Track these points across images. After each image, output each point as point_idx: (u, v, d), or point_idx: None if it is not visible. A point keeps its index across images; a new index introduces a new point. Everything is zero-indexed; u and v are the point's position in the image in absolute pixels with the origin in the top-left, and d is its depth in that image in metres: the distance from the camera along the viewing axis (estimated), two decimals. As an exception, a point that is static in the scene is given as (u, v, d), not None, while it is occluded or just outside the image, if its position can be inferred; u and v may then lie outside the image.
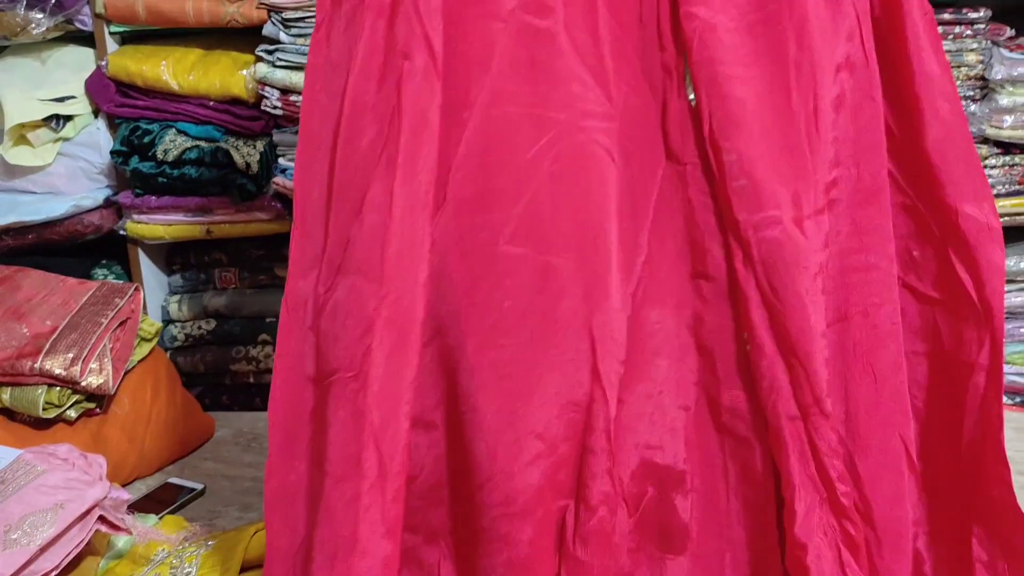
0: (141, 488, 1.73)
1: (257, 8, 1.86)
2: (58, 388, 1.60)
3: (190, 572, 1.06)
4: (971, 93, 1.79)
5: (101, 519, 1.25)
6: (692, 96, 0.93)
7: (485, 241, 0.91)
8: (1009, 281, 1.86)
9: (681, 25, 0.90)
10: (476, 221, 0.91)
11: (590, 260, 0.90)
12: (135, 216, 1.98)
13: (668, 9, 0.92)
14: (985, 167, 1.82)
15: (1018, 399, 1.87)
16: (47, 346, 1.61)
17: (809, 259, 0.90)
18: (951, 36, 1.76)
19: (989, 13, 1.76)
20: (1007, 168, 1.82)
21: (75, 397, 1.63)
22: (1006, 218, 1.83)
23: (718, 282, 0.94)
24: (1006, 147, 1.82)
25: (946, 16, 1.76)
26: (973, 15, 1.76)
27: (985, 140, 1.80)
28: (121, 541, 1.30)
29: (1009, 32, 1.81)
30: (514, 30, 0.90)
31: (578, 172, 0.90)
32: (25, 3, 1.84)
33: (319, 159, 0.93)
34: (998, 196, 1.83)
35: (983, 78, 1.78)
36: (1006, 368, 1.88)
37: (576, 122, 0.90)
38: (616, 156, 0.91)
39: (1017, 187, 1.83)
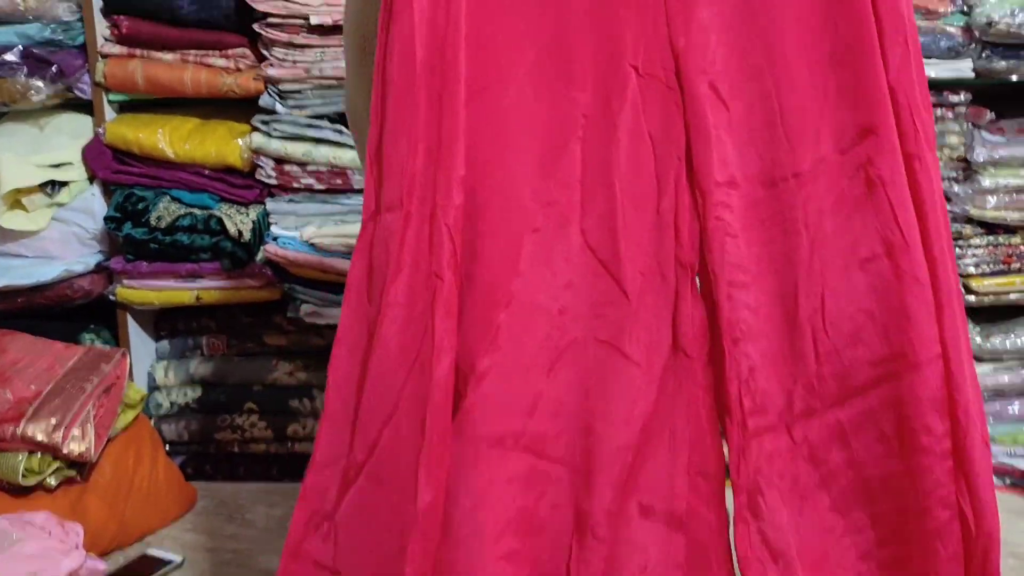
0: (119, 559, 1.69)
1: (254, 80, 1.89)
2: (39, 454, 1.58)
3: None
4: (954, 174, 1.82)
5: (75, 590, 1.23)
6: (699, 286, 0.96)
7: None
8: (995, 360, 1.87)
9: (707, 230, 0.93)
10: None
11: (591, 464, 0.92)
12: (125, 281, 1.98)
13: (688, 206, 0.93)
14: (969, 247, 1.85)
15: (1008, 480, 1.86)
16: (30, 411, 1.60)
17: (797, 468, 0.93)
18: (933, 118, 1.80)
19: (969, 97, 1.81)
20: (991, 248, 1.85)
21: (56, 464, 1.61)
22: (991, 296, 1.85)
23: (714, 480, 0.94)
24: (990, 227, 1.85)
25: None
26: (954, 98, 1.80)
27: (969, 220, 1.84)
28: (95, 614, 1.27)
29: (989, 115, 1.85)
30: (535, 237, 0.93)
31: (597, 386, 0.93)
32: (26, 71, 1.87)
33: (355, 358, 0.93)
34: (983, 275, 1.85)
35: (965, 160, 1.82)
36: (994, 448, 1.88)
37: (595, 329, 0.93)
38: (629, 351, 0.93)
39: (1002, 266, 1.85)
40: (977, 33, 1.77)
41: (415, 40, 0.89)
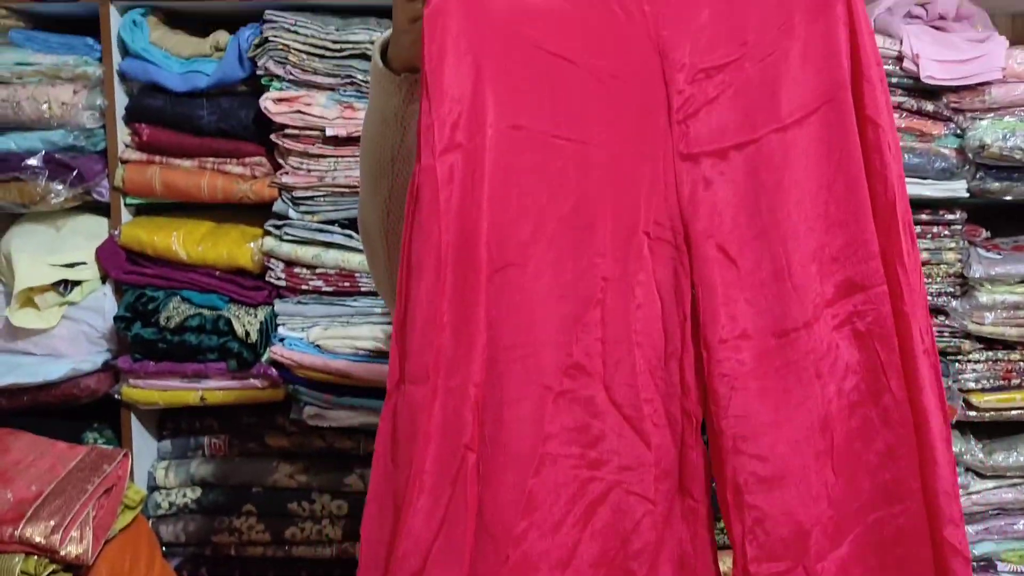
0: (109, 666, 1.66)
1: (269, 186, 1.95)
2: (36, 557, 1.57)
3: None
4: (951, 290, 1.85)
5: None
6: (705, 438, 1.02)
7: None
8: (998, 476, 1.87)
9: (713, 383, 0.99)
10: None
11: None
12: (131, 381, 1.99)
13: (692, 362, 1.00)
14: (969, 362, 1.87)
15: (1015, 598, 1.84)
16: (30, 512, 1.59)
17: None
18: (929, 235, 1.85)
19: (964, 215, 1.85)
20: (990, 363, 1.87)
21: (52, 567, 1.59)
22: (991, 413, 1.86)
23: None
24: (989, 343, 1.87)
25: (924, 217, 1.85)
26: (949, 216, 1.85)
27: (968, 335, 1.85)
28: None
29: (985, 233, 1.89)
30: (560, 401, 0.99)
31: (617, 532, 0.99)
32: (48, 175, 1.92)
33: (384, 522, 0.98)
34: (983, 391, 1.86)
35: (962, 276, 1.85)
36: (1000, 566, 1.86)
37: (615, 478, 0.99)
38: (652, 497, 1.00)
39: (1001, 382, 1.87)
40: (970, 155, 1.82)
41: (440, 224, 0.94)
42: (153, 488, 2.06)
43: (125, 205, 2.02)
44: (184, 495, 2.04)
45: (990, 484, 1.86)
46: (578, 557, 0.97)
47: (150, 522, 1.99)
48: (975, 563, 1.87)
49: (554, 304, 0.99)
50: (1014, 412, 1.86)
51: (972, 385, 1.86)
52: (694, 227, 1.00)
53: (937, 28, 1.86)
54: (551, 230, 1.00)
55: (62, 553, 1.58)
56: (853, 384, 1.01)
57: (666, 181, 1.01)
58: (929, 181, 1.83)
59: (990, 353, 1.86)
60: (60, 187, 1.92)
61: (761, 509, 0.97)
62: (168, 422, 2.11)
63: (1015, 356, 1.86)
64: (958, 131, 1.84)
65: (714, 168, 1.01)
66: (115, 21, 1.96)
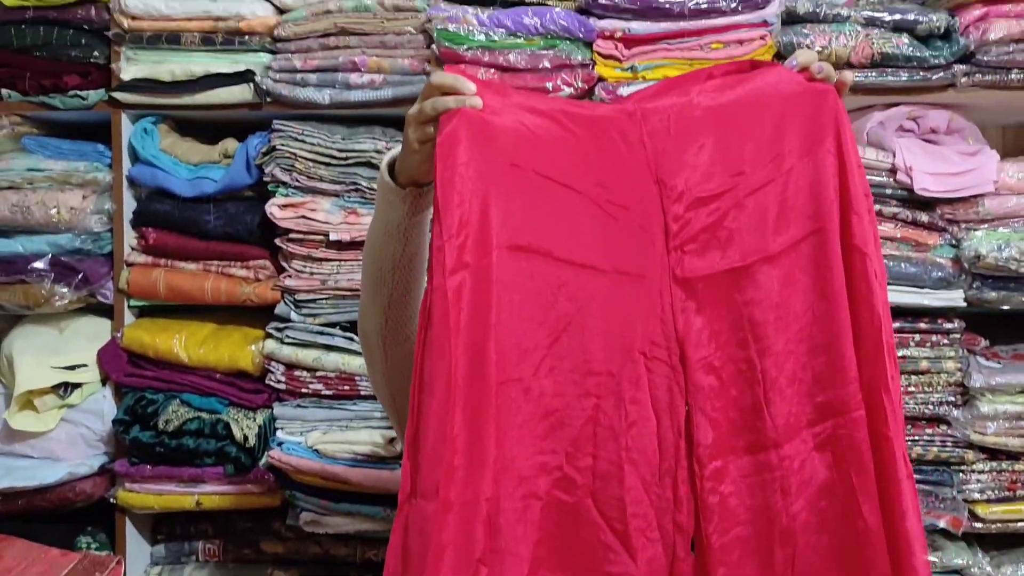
0: None
1: (272, 289, 1.97)
2: (22, 672, 1.53)
3: None
4: (952, 399, 1.85)
5: None
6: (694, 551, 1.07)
7: None
8: (1008, 590, 1.83)
9: (703, 496, 1.05)
10: None
11: None
12: (127, 484, 1.97)
13: (685, 476, 1.05)
14: (973, 472, 1.85)
15: None
16: (18, 624, 1.56)
17: None
18: (929, 344, 1.85)
19: (963, 324, 1.86)
20: (995, 474, 1.85)
21: None
22: (998, 524, 1.83)
23: None
24: (992, 453, 1.85)
25: (922, 325, 1.86)
26: (948, 325, 1.86)
27: (971, 445, 1.84)
28: None
29: (984, 342, 1.90)
30: (548, 511, 1.04)
31: None
32: (53, 277, 1.94)
33: None
34: (988, 502, 1.84)
35: (963, 385, 1.84)
36: None
37: None
38: None
39: (1007, 493, 1.84)
40: (967, 265, 1.84)
41: (450, 341, 0.97)
42: (145, 595, 2.02)
43: (128, 307, 2.04)
44: (176, 603, 2.00)
45: (1000, 597, 1.82)
46: None
47: (140, 631, 1.95)
48: None
49: (547, 418, 1.04)
50: (1021, 524, 1.84)
51: (977, 496, 1.84)
52: (688, 347, 1.06)
53: (929, 141, 1.90)
54: (549, 348, 1.04)
55: (49, 668, 1.54)
56: (827, 504, 1.05)
57: (662, 304, 1.07)
58: (927, 290, 1.85)
59: (994, 463, 1.85)
60: (65, 290, 1.94)
61: None
62: (162, 526, 2.08)
63: (1019, 467, 1.84)
64: (953, 241, 1.87)
65: (706, 292, 1.07)
66: (126, 128, 2.01)
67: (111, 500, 1.98)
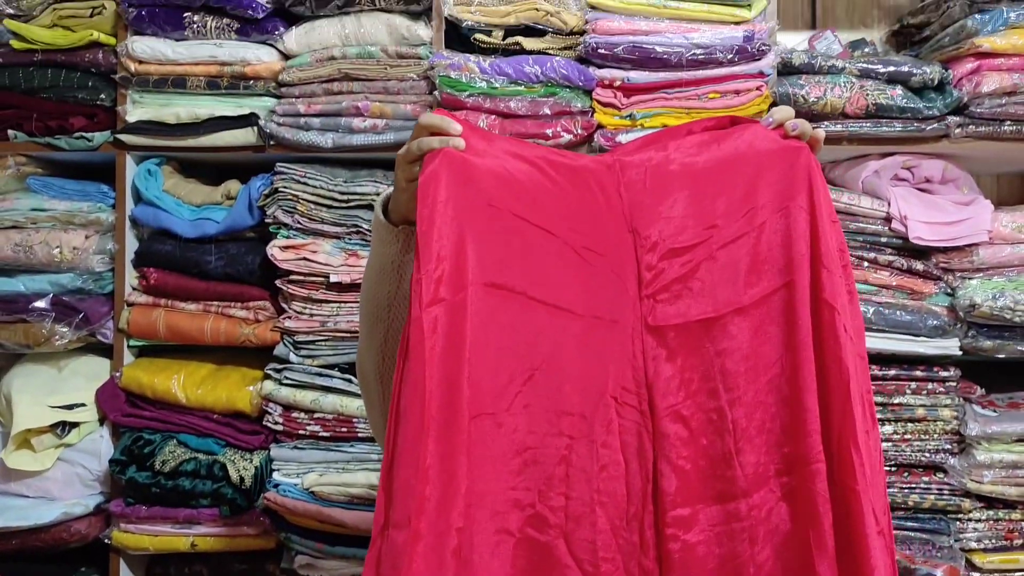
0: None
1: (271, 331, 1.97)
2: None
3: None
4: (948, 447, 1.85)
5: None
6: None
7: None
8: (1006, 642, 1.82)
9: (665, 543, 1.07)
10: None
11: None
12: (122, 525, 1.96)
13: (651, 522, 1.08)
14: (970, 521, 1.84)
15: None
16: (9, 668, 1.54)
17: None
18: (925, 392, 1.86)
19: (959, 372, 1.87)
20: (992, 523, 1.84)
21: None
22: (995, 574, 1.82)
23: None
24: (989, 501, 1.85)
25: (918, 373, 1.86)
26: (944, 373, 1.86)
27: (967, 494, 1.84)
28: None
29: (980, 391, 1.90)
30: (520, 548, 1.05)
31: None
32: (54, 317, 1.95)
33: None
34: (986, 551, 1.84)
35: (959, 433, 1.85)
36: None
37: None
38: None
39: (1004, 542, 1.84)
40: (962, 313, 1.85)
41: (425, 371, 1.00)
42: (137, 638, 2.00)
43: (128, 347, 2.04)
44: (168, 646, 1.98)
45: (999, 649, 1.81)
46: None
47: (131, 675, 1.93)
48: None
49: (521, 455, 1.05)
50: (1018, 574, 1.83)
51: (974, 545, 1.83)
52: (656, 394, 1.08)
53: (924, 190, 1.92)
54: (523, 386, 1.06)
55: None
56: (792, 554, 1.06)
57: (634, 350, 1.09)
58: (922, 338, 1.86)
59: (991, 512, 1.85)
60: (66, 329, 1.95)
61: None
62: (157, 567, 2.06)
63: (1016, 516, 1.84)
64: (948, 290, 1.88)
65: (677, 341, 1.09)
66: (130, 169, 2.03)
67: (106, 540, 1.97)
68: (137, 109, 1.99)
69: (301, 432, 1.95)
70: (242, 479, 1.91)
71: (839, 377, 1.05)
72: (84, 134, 1.98)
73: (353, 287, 1.93)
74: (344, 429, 1.95)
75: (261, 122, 1.96)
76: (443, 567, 0.98)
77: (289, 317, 1.95)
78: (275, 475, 1.95)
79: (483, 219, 1.07)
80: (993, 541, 1.84)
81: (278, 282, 1.96)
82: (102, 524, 1.98)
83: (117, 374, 1.99)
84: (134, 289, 2.03)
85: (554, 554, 1.05)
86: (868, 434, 1.06)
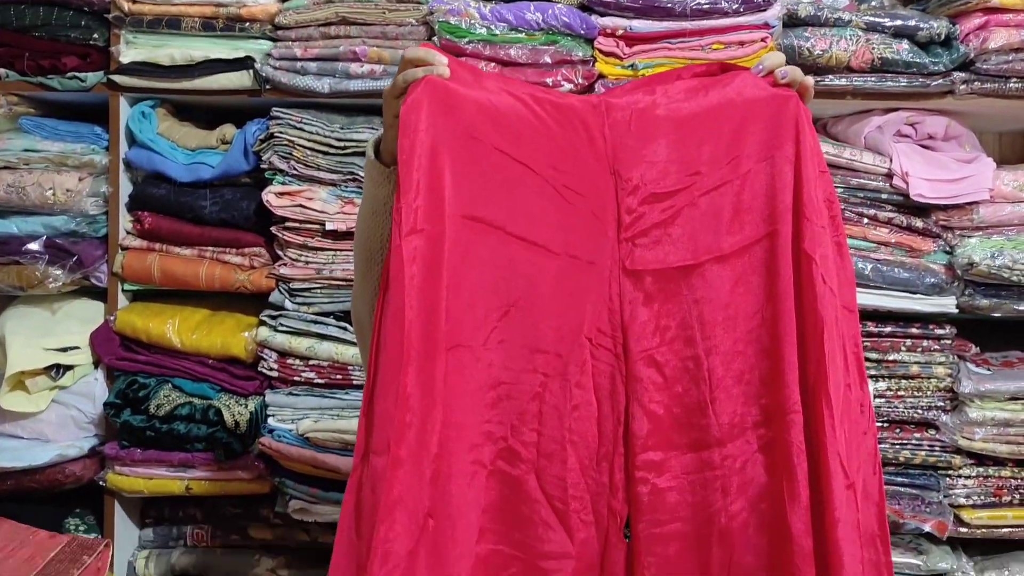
0: None
1: (267, 277, 1.96)
2: (8, 653, 1.53)
3: None
4: (941, 404, 1.86)
5: None
6: (628, 535, 1.09)
7: None
8: (991, 595, 1.85)
9: (634, 486, 1.07)
10: None
11: None
12: (117, 468, 1.97)
13: (621, 464, 1.08)
14: (960, 477, 1.86)
15: None
16: (5, 605, 1.56)
17: None
18: (920, 349, 1.86)
19: (954, 330, 1.87)
20: (981, 479, 1.86)
21: (23, 663, 1.56)
22: (982, 530, 1.85)
23: None
24: (979, 459, 1.86)
25: (914, 331, 1.86)
26: (939, 331, 1.86)
27: (958, 451, 1.85)
28: None
29: (974, 349, 1.91)
30: (492, 480, 1.06)
31: None
32: (48, 259, 1.94)
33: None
34: (974, 507, 1.85)
35: (952, 390, 1.85)
36: None
37: (536, 563, 1.06)
38: None
39: (992, 499, 1.85)
40: (959, 272, 1.85)
41: (405, 299, 1.00)
42: (132, 579, 2.02)
43: (122, 291, 2.03)
44: (163, 587, 2.00)
45: (984, 603, 1.83)
46: None
47: (125, 617, 1.95)
48: None
49: (495, 389, 1.06)
50: (1005, 530, 1.85)
51: (963, 501, 1.85)
52: (631, 338, 1.08)
53: (926, 147, 1.91)
54: (499, 321, 1.07)
55: (35, 649, 1.55)
56: (767, 506, 1.07)
57: (611, 293, 1.09)
58: (919, 296, 1.85)
59: (981, 469, 1.86)
60: (59, 272, 1.93)
61: None
62: (151, 510, 2.08)
63: (1006, 473, 1.85)
64: (947, 248, 1.87)
65: (655, 286, 1.09)
66: (124, 111, 2.00)
67: (100, 483, 1.98)
68: (131, 50, 1.95)
69: (296, 379, 1.95)
70: (237, 424, 1.92)
71: (814, 328, 1.05)
72: (77, 74, 1.94)
73: (349, 235, 1.92)
74: (339, 376, 1.95)
75: (257, 65, 1.93)
76: (421, 492, 0.99)
77: (284, 264, 1.94)
78: (270, 421, 1.96)
79: (464, 151, 1.06)
80: (982, 497, 1.85)
81: (273, 229, 1.94)
82: (97, 467, 1.99)
83: (111, 318, 1.99)
84: (128, 233, 2.01)
85: (524, 488, 1.06)
86: (850, 388, 1.06)
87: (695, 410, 1.08)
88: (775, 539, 1.05)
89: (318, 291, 1.95)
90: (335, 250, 1.94)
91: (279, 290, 1.96)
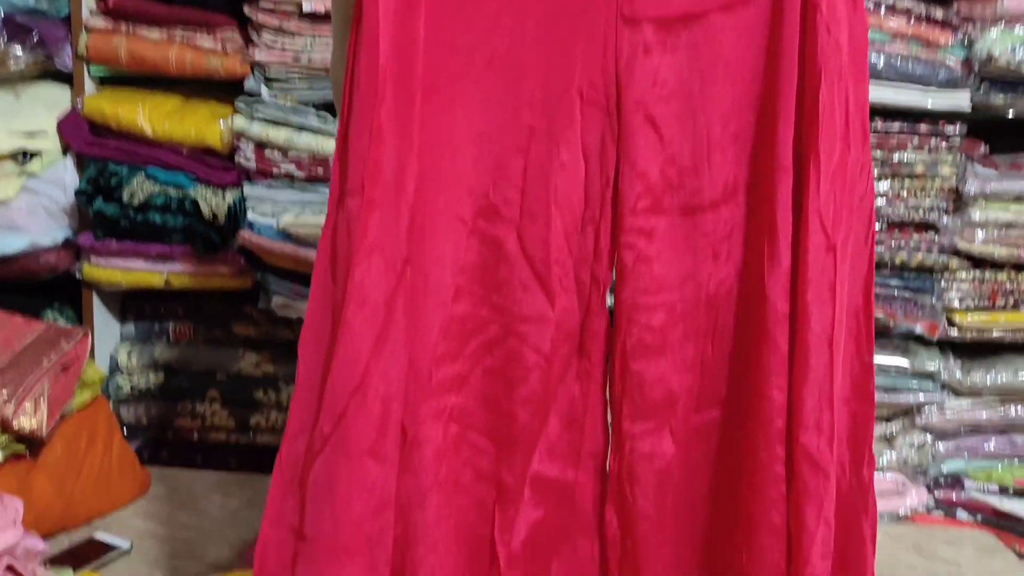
0: (64, 541, 1.64)
1: (241, 63, 1.85)
2: (-13, 427, 1.53)
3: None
4: (944, 205, 1.80)
5: (9, 569, 1.17)
6: (611, 303, 1.04)
7: None
8: (974, 395, 1.85)
9: (620, 252, 1.02)
10: None
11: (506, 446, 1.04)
12: (93, 259, 1.93)
13: (608, 227, 1.02)
14: (955, 280, 1.82)
15: (979, 517, 1.83)
16: (-19, 383, 1.54)
17: (667, 466, 1.05)
18: (927, 148, 1.78)
19: (964, 128, 1.79)
20: (977, 283, 1.82)
21: (4, 438, 1.55)
22: (973, 332, 1.83)
23: (599, 458, 1.07)
24: (976, 261, 1.82)
25: (922, 128, 1.78)
26: (948, 128, 1.78)
27: (956, 253, 1.81)
28: (29, 596, 1.22)
29: (983, 149, 1.83)
30: (472, 240, 1.01)
31: (507, 376, 1.03)
32: (6, 37, 1.82)
33: (322, 337, 0.99)
34: (967, 310, 1.83)
35: (956, 191, 1.79)
36: (968, 483, 1.85)
37: (513, 326, 1.01)
38: (543, 349, 1.02)
39: (986, 302, 1.83)
40: (976, 67, 1.75)
41: (379, 43, 0.94)
42: (115, 370, 2.01)
43: (90, 76, 1.92)
44: (147, 379, 2.00)
45: (965, 403, 1.83)
46: (468, 388, 1.02)
47: (111, 404, 1.95)
48: (943, 479, 1.86)
49: (477, 143, 1.00)
50: (996, 333, 1.83)
51: (956, 304, 1.82)
52: (627, 93, 1.00)
53: (952, -73, 1.76)
54: (481, 71, 0.99)
55: (15, 425, 1.54)
56: (751, 270, 1.02)
57: (605, 43, 1.00)
58: (932, 90, 1.76)
59: (977, 272, 1.82)
60: (20, 51, 1.83)
61: (641, 375, 1.03)
62: (131, 305, 2.05)
63: (1002, 276, 1.82)
64: (966, 42, 1.76)
65: (655, 36, 1.00)
66: None
67: (77, 275, 1.94)
68: None
69: (275, 171, 1.87)
70: (215, 216, 1.86)
71: (812, 80, 0.97)
72: None
73: (328, 18, 1.79)
74: (320, 170, 1.87)
75: None
76: (398, 239, 0.96)
77: (259, 48, 1.83)
78: (250, 214, 1.89)
79: None
80: (976, 301, 1.82)
81: (247, 9, 1.82)
82: (72, 258, 1.95)
83: (79, 103, 1.89)
84: (92, 13, 1.88)
85: (504, 248, 1.01)
86: (848, 148, 0.99)
87: (689, 171, 1.01)
88: (754, 304, 1.01)
89: (296, 79, 1.85)
90: (314, 35, 1.82)
91: (254, 77, 1.86)
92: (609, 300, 1.05)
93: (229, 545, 1.65)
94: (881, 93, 1.74)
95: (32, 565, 1.18)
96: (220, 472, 1.96)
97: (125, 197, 1.85)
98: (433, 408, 0.99)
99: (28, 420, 1.55)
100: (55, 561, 1.52)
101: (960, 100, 1.77)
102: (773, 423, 1.00)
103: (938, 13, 1.75)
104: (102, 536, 1.65)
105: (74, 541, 1.64)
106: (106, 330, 2.02)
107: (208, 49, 1.86)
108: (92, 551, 1.60)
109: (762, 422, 1.00)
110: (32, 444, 1.61)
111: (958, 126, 1.78)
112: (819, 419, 0.99)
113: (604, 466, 1.09)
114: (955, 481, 1.86)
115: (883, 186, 1.79)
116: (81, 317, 1.99)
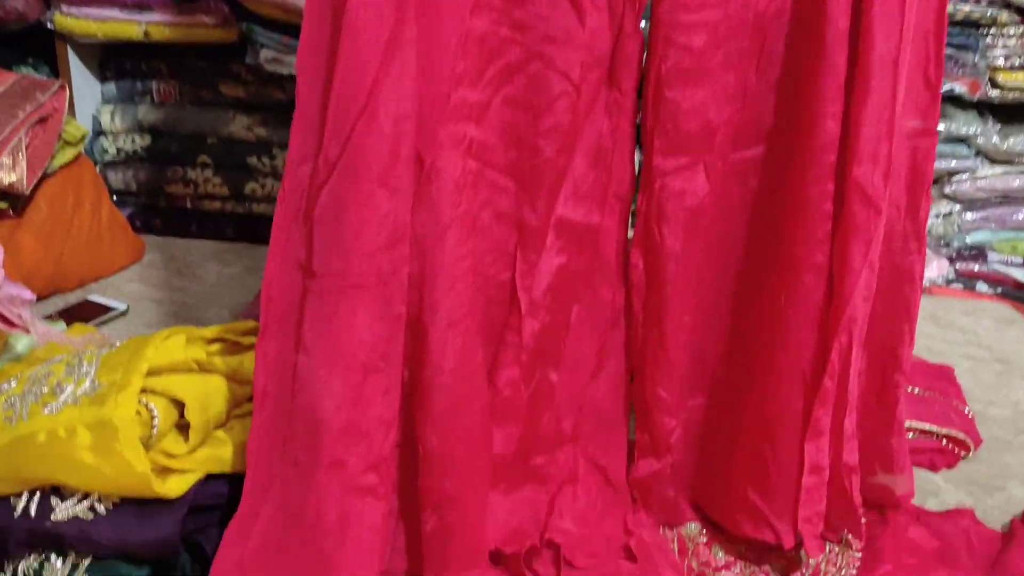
0: (59, 303, 1.59)
1: None
2: (-38, 178, 1.44)
3: (88, 372, 0.93)
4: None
5: (-4, 314, 1.12)
6: (645, 25, 0.94)
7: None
8: (1007, 163, 1.76)
9: None
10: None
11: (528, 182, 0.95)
12: (64, 8, 1.76)
13: None
14: (1001, 36, 1.69)
15: (1000, 289, 1.79)
16: (-49, 132, 1.43)
17: (699, 205, 0.98)
18: None
19: None
20: (1022, 40, 1.68)
21: (-17, 190, 1.47)
22: (1016, 93, 1.71)
23: (625, 201, 1.00)
24: (1027, 16, 1.68)
25: None
26: None
27: (1007, 5, 1.66)
28: (20, 344, 1.17)
29: None
30: None
31: (530, 104, 0.93)
32: None
33: (321, 42, 0.88)
34: (1011, 69, 1.70)
35: (1010, -64, 1.62)
36: (991, 255, 1.80)
37: (539, 48, 0.91)
38: (571, 74, 0.92)
39: (1032, 61, 1.70)
40: None
41: None
42: (98, 132, 1.90)
43: None
44: (133, 141, 1.89)
45: (999, 170, 1.74)
46: (488, 120, 0.92)
47: (98, 167, 1.85)
48: (966, 251, 1.80)
49: None
50: (1037, 89, 1.71)
51: (1001, 63, 1.69)
52: None
53: None
54: None
55: (-8, 179, 1.45)
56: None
57: None
58: None
59: (1025, 28, 1.68)
60: None
61: (676, 104, 0.95)
62: (111, 62, 1.90)
63: (1055, 25, 1.68)
64: None
65: None
66: None
67: (48, 25, 1.78)
68: None
69: (259, -91, 1.68)
70: (194, -41, 1.68)
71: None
72: None
73: None
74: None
75: None
76: None
77: None
78: (232, -42, 1.72)
79: None
80: (1020, 60, 1.69)
81: None
82: (41, 7, 1.78)
83: None
84: None
85: None
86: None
87: None
88: (810, 22, 0.90)
89: None
90: None
91: None
92: (644, 25, 0.94)
93: (227, 308, 1.61)
94: None
95: (19, 311, 1.12)
96: (217, 242, 1.89)
97: (93, -66, 1.67)
98: (452, 134, 0.89)
99: (7, 174, 1.46)
100: (50, 319, 1.47)
101: None
102: (824, 156, 0.91)
103: None
104: (97, 298, 1.60)
105: (69, 302, 1.59)
106: (86, 90, 1.89)
107: None
108: (88, 311, 1.55)
109: (812, 155, 0.91)
110: (15, 201, 1.52)
111: None
112: (876, 150, 0.89)
113: (629, 210, 1.02)
114: (978, 253, 1.79)
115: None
116: (58, 73, 1.85)
